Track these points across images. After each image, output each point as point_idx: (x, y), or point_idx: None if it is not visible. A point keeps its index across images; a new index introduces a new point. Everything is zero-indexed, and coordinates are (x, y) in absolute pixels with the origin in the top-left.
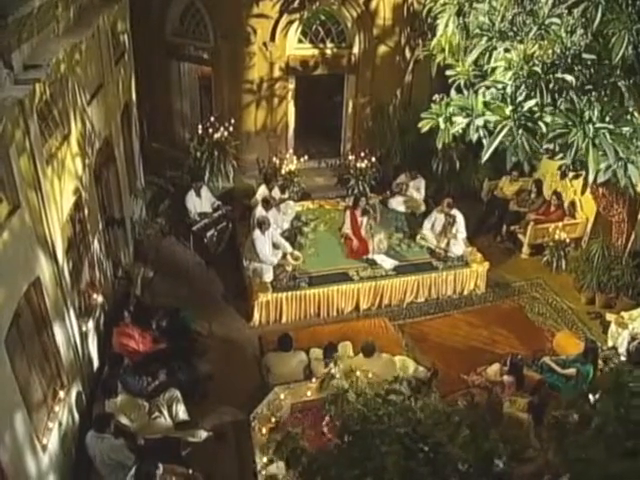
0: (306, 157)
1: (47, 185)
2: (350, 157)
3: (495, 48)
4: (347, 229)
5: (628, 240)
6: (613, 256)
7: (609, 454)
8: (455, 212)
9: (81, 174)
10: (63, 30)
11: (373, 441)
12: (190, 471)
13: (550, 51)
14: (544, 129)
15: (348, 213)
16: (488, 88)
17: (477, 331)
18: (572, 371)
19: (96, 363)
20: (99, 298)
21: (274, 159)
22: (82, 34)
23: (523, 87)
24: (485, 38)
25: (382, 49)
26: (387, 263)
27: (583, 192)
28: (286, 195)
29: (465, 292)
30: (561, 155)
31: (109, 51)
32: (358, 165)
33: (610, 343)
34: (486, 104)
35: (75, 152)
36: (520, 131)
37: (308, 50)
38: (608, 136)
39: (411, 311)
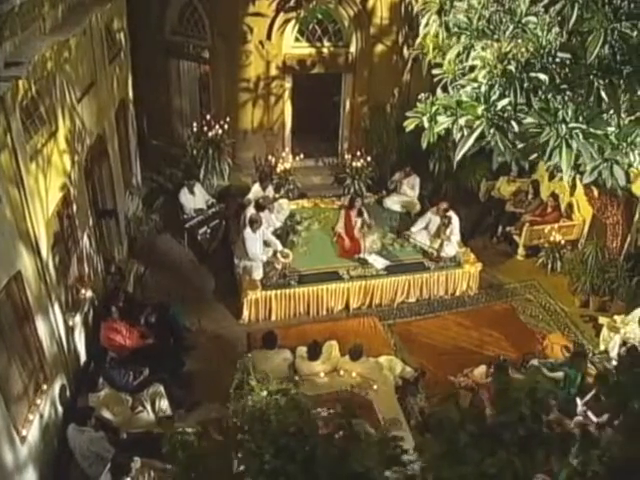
0: (302, 156)
1: (31, 181)
2: (347, 156)
3: (473, 46)
4: (340, 228)
5: (623, 243)
6: (608, 259)
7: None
8: (451, 214)
9: (69, 170)
10: (50, 28)
11: (244, 439)
12: (169, 466)
13: (523, 49)
14: (516, 128)
15: (343, 212)
16: (463, 87)
17: (467, 332)
18: (560, 375)
19: (83, 357)
20: (88, 293)
21: (270, 157)
22: (69, 32)
23: (497, 86)
24: (463, 36)
25: (379, 48)
26: (378, 262)
27: (572, 193)
28: (280, 194)
29: (457, 293)
30: (535, 155)
31: (102, 49)
32: (354, 164)
33: (602, 347)
34: (459, 103)
35: (63, 149)
36: (492, 130)
37: (305, 49)
38: (581, 136)
39: (402, 311)
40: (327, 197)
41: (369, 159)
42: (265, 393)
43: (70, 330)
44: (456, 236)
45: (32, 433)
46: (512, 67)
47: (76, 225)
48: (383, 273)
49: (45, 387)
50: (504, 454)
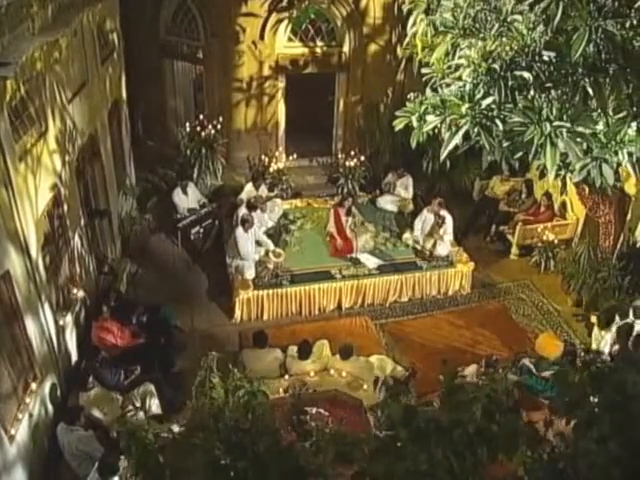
0: (295, 155)
1: (19, 181)
2: (340, 156)
3: (459, 45)
4: (331, 227)
5: (616, 242)
6: (600, 258)
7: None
8: (445, 213)
9: (60, 170)
10: (39, 29)
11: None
12: None
13: (508, 48)
14: (500, 127)
15: (332, 211)
16: (448, 85)
17: (459, 332)
18: (551, 374)
19: (75, 356)
20: (79, 293)
21: (264, 157)
22: (58, 33)
23: (481, 85)
24: (449, 35)
25: (373, 48)
26: (371, 262)
27: (562, 192)
28: (274, 193)
29: (450, 292)
30: (521, 153)
31: (94, 49)
32: (348, 164)
33: (594, 346)
34: (443, 102)
35: (53, 149)
36: (476, 129)
37: (298, 49)
38: (565, 134)
39: (394, 311)
40: (321, 197)
41: (362, 159)
42: (223, 391)
43: (61, 329)
44: (449, 235)
45: (21, 432)
46: (496, 66)
47: (67, 225)
48: (375, 272)
49: (35, 386)
50: (439, 451)
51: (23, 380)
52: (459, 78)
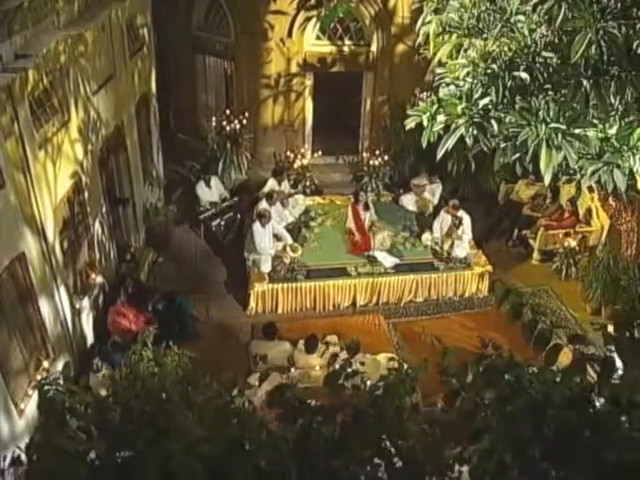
0: (321, 152)
1: (38, 168)
2: (365, 154)
3: (462, 45)
4: (350, 223)
5: (638, 250)
6: (622, 266)
7: None
8: (462, 214)
9: (81, 159)
10: (65, 23)
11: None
12: None
13: (506, 48)
14: (496, 128)
15: (350, 208)
16: (448, 85)
17: (471, 334)
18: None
19: (91, 339)
20: (98, 278)
21: (289, 153)
22: (82, 27)
23: (479, 85)
24: (455, 35)
25: (401, 47)
26: (387, 261)
27: (577, 197)
28: (296, 189)
29: (466, 295)
30: (518, 155)
31: (122, 44)
32: (372, 163)
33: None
34: (440, 101)
35: (74, 138)
36: (471, 129)
37: (326, 47)
38: (560, 136)
39: (408, 310)
40: (344, 194)
41: (386, 158)
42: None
43: (77, 312)
44: (468, 235)
45: (30, 407)
46: (495, 66)
47: (87, 212)
48: (391, 271)
49: (47, 364)
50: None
51: (35, 358)
52: (457, 77)
